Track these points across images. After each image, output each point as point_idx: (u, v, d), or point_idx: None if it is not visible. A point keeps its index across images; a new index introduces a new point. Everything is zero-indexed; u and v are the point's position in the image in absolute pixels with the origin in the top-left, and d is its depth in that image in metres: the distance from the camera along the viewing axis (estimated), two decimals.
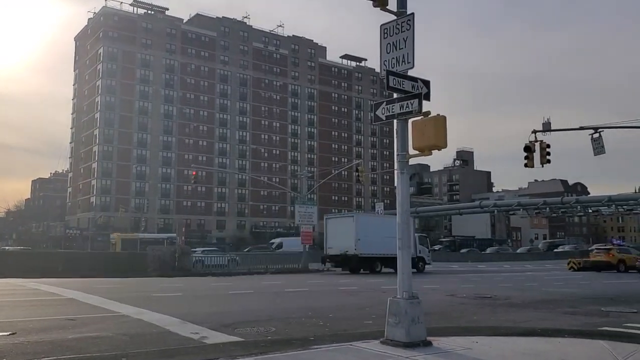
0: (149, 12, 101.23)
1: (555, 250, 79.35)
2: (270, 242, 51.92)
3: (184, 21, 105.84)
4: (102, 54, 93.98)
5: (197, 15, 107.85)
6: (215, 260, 31.02)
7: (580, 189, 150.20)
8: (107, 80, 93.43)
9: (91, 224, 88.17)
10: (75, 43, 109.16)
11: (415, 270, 29.14)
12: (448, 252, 76.75)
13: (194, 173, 54.58)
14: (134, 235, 63.25)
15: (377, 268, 30.14)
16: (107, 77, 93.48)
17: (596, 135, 24.24)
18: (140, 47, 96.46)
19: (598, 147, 24.15)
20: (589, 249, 53.94)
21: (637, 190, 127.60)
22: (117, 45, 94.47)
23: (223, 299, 15.42)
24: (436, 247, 77.78)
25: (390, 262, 28.64)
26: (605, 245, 49.07)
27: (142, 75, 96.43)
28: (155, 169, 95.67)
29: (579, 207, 78.66)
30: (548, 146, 23.46)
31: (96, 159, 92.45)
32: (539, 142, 23.52)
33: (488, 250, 79.02)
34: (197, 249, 42.04)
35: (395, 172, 7.99)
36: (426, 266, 33.65)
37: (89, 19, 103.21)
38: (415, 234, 33.00)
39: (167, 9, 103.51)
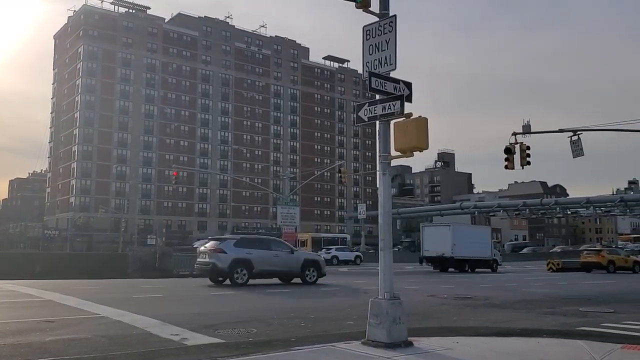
0: (130, 10, 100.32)
1: (520, 252, 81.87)
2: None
3: (166, 20, 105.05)
4: (82, 53, 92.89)
5: (179, 14, 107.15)
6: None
7: (559, 190, 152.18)
8: (87, 79, 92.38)
9: (70, 225, 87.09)
10: (55, 41, 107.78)
11: (489, 270, 34.82)
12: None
13: (175, 173, 54.19)
14: (318, 235, 66.62)
15: (465, 268, 34.80)
16: (87, 76, 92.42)
17: (575, 137, 24.61)
18: (121, 46, 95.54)
19: (577, 149, 24.51)
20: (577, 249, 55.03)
21: (614, 192, 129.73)
22: (97, 43, 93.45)
23: (204, 300, 15.33)
24: (395, 249, 78.16)
25: (477, 263, 35.43)
26: (595, 247, 50.35)
27: (122, 74, 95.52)
28: (136, 169, 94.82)
29: (558, 208, 79.74)
30: (528, 148, 23.76)
31: (76, 158, 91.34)
32: (519, 144, 23.81)
33: None
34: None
35: (378, 173, 8.02)
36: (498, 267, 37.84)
37: (68, 17, 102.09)
38: (491, 239, 38.49)
39: (149, 8, 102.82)
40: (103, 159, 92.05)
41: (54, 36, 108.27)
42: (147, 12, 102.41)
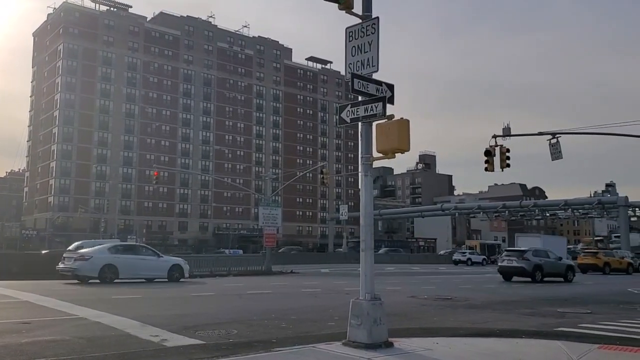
0: (112, 9, 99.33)
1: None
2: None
3: (148, 19, 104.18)
4: (62, 51, 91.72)
5: (161, 13, 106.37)
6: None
7: (538, 193, 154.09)
8: (67, 77, 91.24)
9: (49, 225, 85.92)
10: (34, 39, 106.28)
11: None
12: (403, 253, 77.32)
13: (155, 173, 53.42)
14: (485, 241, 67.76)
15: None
16: (67, 74, 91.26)
17: (554, 140, 24.95)
18: (101, 44, 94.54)
19: (556, 152, 24.85)
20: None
21: (592, 195, 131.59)
22: (77, 42, 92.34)
23: (184, 301, 15.23)
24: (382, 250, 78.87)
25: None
26: (592, 249, 51.57)
27: (103, 73, 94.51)
28: (116, 168, 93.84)
29: (536, 210, 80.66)
30: (508, 151, 24.02)
31: (55, 157, 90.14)
32: (499, 147, 24.07)
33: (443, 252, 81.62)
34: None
35: (360, 174, 8.05)
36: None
37: (48, 14, 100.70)
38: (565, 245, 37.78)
39: (131, 7, 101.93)
40: (83, 159, 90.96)
41: (33, 33, 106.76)
42: (129, 11, 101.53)
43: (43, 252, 32.14)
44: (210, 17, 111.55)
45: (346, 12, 7.88)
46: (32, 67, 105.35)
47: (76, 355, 7.01)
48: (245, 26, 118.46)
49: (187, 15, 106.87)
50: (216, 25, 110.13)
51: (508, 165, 24.01)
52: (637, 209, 73.03)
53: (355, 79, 7.62)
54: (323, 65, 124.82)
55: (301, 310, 12.75)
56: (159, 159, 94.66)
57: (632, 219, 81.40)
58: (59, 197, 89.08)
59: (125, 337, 8.48)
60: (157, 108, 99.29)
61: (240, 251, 68.69)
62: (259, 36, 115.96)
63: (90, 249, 22.43)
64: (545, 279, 27.12)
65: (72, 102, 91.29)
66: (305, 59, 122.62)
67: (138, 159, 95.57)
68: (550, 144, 25.02)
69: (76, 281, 20.44)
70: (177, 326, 9.53)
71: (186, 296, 16.40)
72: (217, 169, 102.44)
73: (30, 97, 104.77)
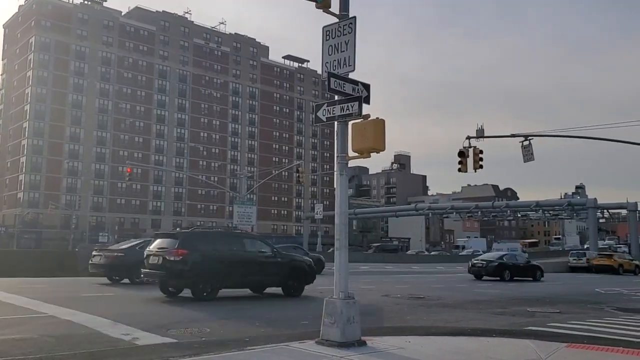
0: (86, 2, 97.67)
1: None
2: None
3: (123, 14, 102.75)
4: (33, 44, 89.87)
5: (137, 8, 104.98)
6: None
7: (510, 194, 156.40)
8: (38, 71, 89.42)
9: (18, 221, 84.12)
10: (4, 30, 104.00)
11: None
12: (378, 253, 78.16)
13: (128, 170, 53.00)
14: None
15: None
16: (39, 67, 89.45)
17: (526, 142, 25.33)
18: (75, 38, 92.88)
19: (528, 154, 25.23)
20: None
21: (562, 197, 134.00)
22: (50, 35, 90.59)
23: (157, 300, 15.04)
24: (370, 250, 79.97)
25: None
26: (606, 251, 53.79)
27: (76, 67, 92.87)
28: (88, 164, 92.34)
29: (508, 211, 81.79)
30: (481, 152, 24.32)
31: (25, 153, 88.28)
32: (472, 148, 24.34)
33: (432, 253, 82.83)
34: None
35: (335, 173, 8.06)
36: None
37: (19, 5, 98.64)
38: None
39: (106, 0, 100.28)
40: (54, 154, 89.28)
41: (3, 25, 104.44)
42: (103, 5, 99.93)
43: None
44: (187, 13, 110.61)
45: (324, 11, 7.88)
46: (2, 60, 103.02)
47: (45, 354, 6.88)
48: (222, 23, 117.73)
49: (163, 11, 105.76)
50: (192, 22, 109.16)
51: (481, 167, 24.31)
52: (605, 210, 74.52)
53: (331, 78, 7.63)
54: (300, 64, 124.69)
55: (275, 309, 12.73)
56: (133, 156, 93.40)
57: (601, 220, 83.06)
58: (29, 193, 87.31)
59: (96, 336, 8.35)
60: (131, 104, 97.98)
61: None
62: (235, 33, 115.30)
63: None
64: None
65: (43, 97, 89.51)
66: (282, 57, 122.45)
67: (111, 155, 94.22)
68: (522, 145, 25.40)
69: (47, 278, 20.09)
70: (149, 324, 9.42)
71: (158, 294, 16.21)
72: (191, 167, 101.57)
73: (0, 90, 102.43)
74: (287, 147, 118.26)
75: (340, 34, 7.88)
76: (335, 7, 7.95)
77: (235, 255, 14.73)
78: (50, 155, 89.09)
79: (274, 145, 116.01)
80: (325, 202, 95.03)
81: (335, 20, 7.98)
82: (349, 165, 8.05)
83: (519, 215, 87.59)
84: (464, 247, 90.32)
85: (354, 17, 7.84)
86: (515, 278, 28.72)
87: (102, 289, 17.22)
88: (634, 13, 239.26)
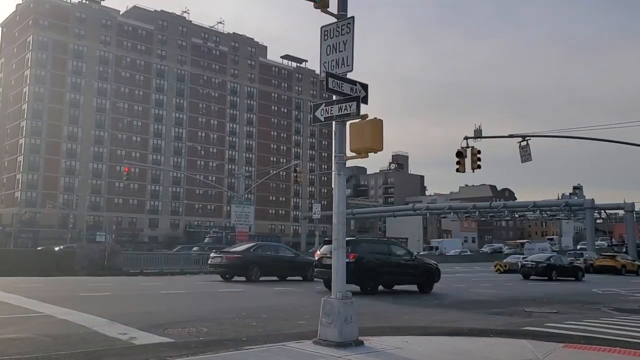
0: (84, 1, 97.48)
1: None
2: None
3: (121, 13, 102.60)
4: (31, 43, 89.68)
5: (135, 7, 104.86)
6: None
7: (508, 194, 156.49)
8: (36, 70, 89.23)
9: (15, 220, 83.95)
10: (2, 29, 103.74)
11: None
12: None
13: (126, 169, 52.86)
14: None
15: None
16: (37, 66, 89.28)
17: (524, 143, 25.37)
18: (73, 37, 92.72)
19: (525, 154, 25.27)
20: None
21: (559, 197, 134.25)
22: (48, 34, 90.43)
23: (154, 299, 15.06)
24: None
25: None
26: (609, 252, 54.34)
27: (74, 66, 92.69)
28: (86, 164, 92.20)
29: (506, 211, 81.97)
30: (479, 152, 24.34)
31: (22, 152, 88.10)
32: (470, 148, 24.37)
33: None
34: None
35: (333, 173, 8.07)
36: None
37: (17, 4, 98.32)
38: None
39: (103, 0, 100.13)
40: (52, 153, 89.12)
41: (0, 24, 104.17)
42: (101, 4, 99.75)
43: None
44: (185, 12, 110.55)
45: (322, 11, 7.88)
46: (0, 59, 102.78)
47: (41, 353, 6.87)
48: (220, 22, 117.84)
49: (161, 10, 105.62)
50: (190, 21, 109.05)
51: (479, 167, 24.34)
52: (602, 211, 74.74)
53: (329, 78, 7.64)
54: (298, 64, 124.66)
55: (272, 309, 12.73)
56: (130, 155, 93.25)
57: (598, 220, 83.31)
58: (26, 192, 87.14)
59: (93, 335, 8.35)
60: (129, 103, 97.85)
61: None
62: (233, 33, 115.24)
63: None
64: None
65: (41, 96, 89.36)
66: (281, 57, 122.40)
67: (109, 155, 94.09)
68: (520, 146, 25.44)
69: (44, 277, 20.06)
70: (146, 324, 9.42)
71: (156, 294, 16.22)
72: (189, 166, 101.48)
73: None
74: (285, 147, 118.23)
75: (339, 34, 7.89)
76: (333, 7, 7.96)
77: (387, 258, 18.54)
78: (48, 155, 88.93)
79: (272, 145, 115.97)
80: (323, 202, 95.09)
81: (334, 20, 7.99)
82: (347, 165, 8.06)
83: (517, 215, 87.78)
84: (437, 248, 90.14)
85: (352, 17, 7.84)
86: (559, 278, 30.60)
87: (99, 288, 17.18)
88: (633, 13, 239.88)
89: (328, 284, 16.42)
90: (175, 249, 41.15)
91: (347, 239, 19.16)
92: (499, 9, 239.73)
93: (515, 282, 27.52)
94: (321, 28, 8.12)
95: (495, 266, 41.82)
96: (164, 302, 14.10)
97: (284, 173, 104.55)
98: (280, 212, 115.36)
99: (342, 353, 6.86)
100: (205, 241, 57.89)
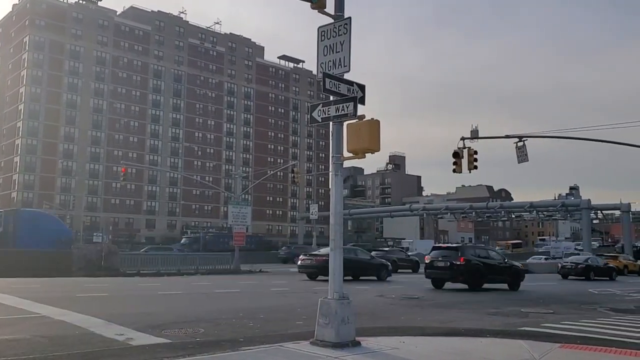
0: (81, 1, 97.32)
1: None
2: None
3: (118, 13, 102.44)
4: (28, 43, 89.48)
5: (132, 7, 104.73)
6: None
7: (504, 194, 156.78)
8: (32, 70, 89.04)
9: None
10: None
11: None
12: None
13: (123, 170, 52.51)
14: None
15: None
16: (33, 67, 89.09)
17: (520, 143, 25.39)
18: (69, 37, 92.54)
19: (522, 155, 25.30)
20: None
21: (556, 197, 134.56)
22: (44, 34, 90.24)
23: (151, 299, 15.04)
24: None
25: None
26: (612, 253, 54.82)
27: (71, 66, 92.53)
28: (83, 164, 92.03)
29: (503, 212, 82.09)
30: (475, 153, 24.36)
31: (19, 152, 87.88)
32: (466, 149, 24.38)
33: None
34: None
35: (330, 174, 8.07)
36: None
37: (13, 4, 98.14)
38: None
39: (100, 0, 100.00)
40: (48, 154, 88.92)
41: None
42: (98, 4, 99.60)
43: None
44: (182, 12, 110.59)
45: (319, 12, 7.89)
46: None
47: (38, 354, 6.85)
48: (217, 23, 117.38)
49: (158, 11, 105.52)
50: (187, 21, 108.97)
51: (475, 167, 24.35)
52: (599, 211, 74.92)
53: (326, 79, 7.64)
54: (295, 64, 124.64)
55: (269, 310, 12.72)
56: (127, 156, 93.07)
57: (595, 221, 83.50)
58: (23, 192, 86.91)
59: (90, 336, 8.33)
60: (125, 104, 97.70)
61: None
62: (230, 33, 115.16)
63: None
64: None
65: (37, 96, 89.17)
66: (278, 58, 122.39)
67: (105, 155, 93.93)
68: (516, 146, 25.46)
69: (41, 278, 20.02)
70: (142, 325, 9.41)
71: (153, 295, 16.20)
72: (186, 167, 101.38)
73: None
74: (282, 148, 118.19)
75: (336, 35, 7.89)
76: (330, 7, 7.97)
77: (487, 261, 22.14)
78: (45, 155, 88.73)
79: (269, 146, 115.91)
80: (320, 203, 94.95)
81: (331, 20, 8.00)
82: (344, 166, 8.07)
83: (513, 216, 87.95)
84: (408, 249, 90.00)
85: (349, 18, 7.85)
86: (596, 278, 33.06)
87: (96, 289, 17.14)
88: (632, 14, 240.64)
89: (436, 283, 21.89)
90: (143, 250, 39.80)
91: (455, 245, 25.31)
92: (497, 9, 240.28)
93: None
94: (318, 29, 8.12)
95: None
96: (161, 303, 14.08)
97: (281, 173, 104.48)
98: (277, 212, 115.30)
99: (339, 354, 6.86)
100: (182, 242, 57.83)
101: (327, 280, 22.13)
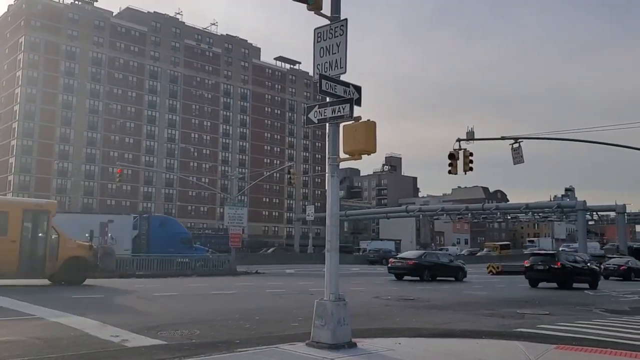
0: (77, 2, 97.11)
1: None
2: None
3: (114, 14, 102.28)
4: (23, 44, 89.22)
5: (128, 8, 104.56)
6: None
7: (500, 196, 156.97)
8: (28, 71, 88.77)
9: None
10: None
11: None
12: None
13: (119, 171, 52.75)
14: None
15: None
16: (29, 67, 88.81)
17: (516, 145, 25.48)
18: (65, 38, 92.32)
19: (517, 156, 25.38)
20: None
21: (552, 199, 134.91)
22: (40, 35, 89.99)
23: (146, 301, 15.00)
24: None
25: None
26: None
27: (66, 67, 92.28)
28: (79, 165, 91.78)
29: (498, 213, 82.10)
30: (471, 154, 24.42)
31: (14, 153, 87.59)
32: (462, 150, 24.44)
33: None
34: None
35: (327, 175, 8.08)
36: None
37: (9, 5, 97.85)
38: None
39: (97, 0, 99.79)
40: (44, 155, 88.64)
41: None
42: (94, 5, 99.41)
43: None
44: (178, 13, 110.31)
45: (315, 13, 7.89)
46: None
47: (33, 356, 6.83)
48: (213, 24, 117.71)
49: (154, 11, 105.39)
50: (184, 22, 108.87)
51: (471, 169, 24.41)
52: (594, 213, 75.04)
53: (323, 80, 7.65)
54: (292, 65, 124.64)
55: (265, 311, 12.72)
56: (123, 157, 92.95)
57: (590, 222, 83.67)
58: (18, 193, 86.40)
59: (85, 338, 8.31)
60: (121, 104, 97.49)
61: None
62: (227, 34, 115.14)
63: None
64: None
65: (33, 97, 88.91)
66: (274, 59, 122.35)
67: (101, 156, 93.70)
68: (512, 148, 25.55)
69: (36, 279, 19.92)
70: (138, 326, 9.39)
71: (148, 296, 16.17)
72: (182, 168, 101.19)
73: None
74: (278, 149, 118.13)
75: (332, 36, 7.90)
76: (326, 9, 7.97)
77: (575, 265, 26.11)
78: (40, 156, 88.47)
79: (265, 147, 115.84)
80: (316, 204, 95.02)
81: (327, 22, 8.00)
82: (340, 167, 8.07)
83: (509, 217, 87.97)
84: (365, 250, 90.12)
85: (345, 19, 7.86)
86: (635, 279, 35.49)
87: (91, 290, 17.08)
88: (627, 15, 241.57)
89: (532, 283, 25.81)
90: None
91: (552, 252, 31.51)
92: (494, 10, 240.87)
93: (507, 285, 27.59)
94: (314, 30, 8.13)
95: (487, 268, 42.02)
96: (156, 304, 14.05)
97: (278, 175, 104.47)
98: (273, 213, 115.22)
99: (335, 355, 6.86)
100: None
101: (412, 281, 25.41)
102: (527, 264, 26.40)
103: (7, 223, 17.59)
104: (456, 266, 30.41)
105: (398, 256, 31.74)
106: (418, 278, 27.70)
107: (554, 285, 25.89)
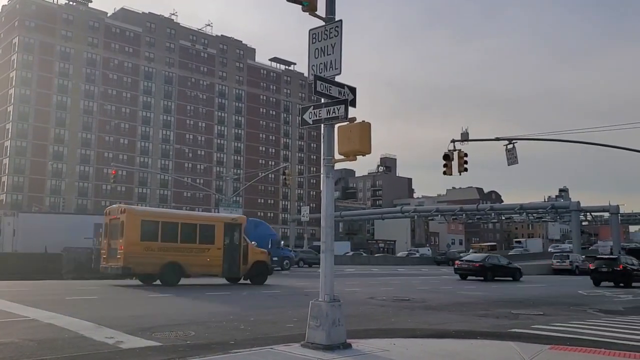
0: (71, 3, 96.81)
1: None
2: None
3: (108, 15, 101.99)
4: (17, 44, 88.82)
5: (122, 9, 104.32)
6: None
7: (494, 196, 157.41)
8: (22, 71, 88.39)
9: None
10: None
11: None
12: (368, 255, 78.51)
13: (113, 172, 52.52)
14: None
15: None
16: (23, 68, 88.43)
17: (510, 146, 25.58)
18: (60, 39, 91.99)
19: (512, 157, 25.47)
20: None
21: (546, 199, 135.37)
22: (34, 35, 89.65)
23: (141, 302, 14.97)
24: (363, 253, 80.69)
25: None
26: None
27: (61, 68, 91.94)
28: (73, 166, 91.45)
29: (493, 214, 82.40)
30: (465, 155, 24.49)
31: (8, 154, 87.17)
32: (457, 151, 24.51)
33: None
34: None
35: (322, 176, 8.08)
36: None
37: (2, 5, 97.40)
38: None
39: (91, 1, 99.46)
40: (38, 156, 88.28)
41: None
42: (89, 5, 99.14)
43: None
44: (173, 14, 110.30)
45: (310, 14, 7.89)
46: None
47: (26, 358, 6.81)
48: (208, 25, 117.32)
49: (149, 12, 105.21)
50: (178, 23, 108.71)
51: (466, 170, 24.49)
52: (588, 213, 75.38)
53: (318, 81, 7.66)
54: (287, 66, 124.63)
55: (260, 312, 12.70)
56: (118, 158, 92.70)
57: (584, 223, 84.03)
58: (12, 194, 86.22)
59: (79, 339, 8.27)
60: (116, 105, 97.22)
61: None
62: (221, 35, 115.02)
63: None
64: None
65: (27, 98, 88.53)
66: (269, 60, 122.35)
67: (96, 157, 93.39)
68: (506, 149, 25.64)
69: (29, 281, 19.86)
70: (133, 327, 9.36)
71: (143, 297, 16.13)
72: (177, 169, 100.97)
73: None
74: (273, 150, 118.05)
75: (327, 37, 7.91)
76: (321, 10, 7.98)
77: (634, 267, 29.79)
78: (34, 157, 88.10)
79: (260, 148, 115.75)
80: (311, 205, 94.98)
81: (322, 23, 8.01)
82: (335, 168, 8.08)
83: (503, 217, 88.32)
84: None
85: (340, 21, 7.87)
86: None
87: (85, 292, 17.03)
88: (620, 17, 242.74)
89: (596, 282, 29.18)
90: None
91: (615, 256, 32.52)
92: (487, 11, 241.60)
93: (502, 285, 27.67)
94: (309, 31, 8.13)
95: None
96: (151, 306, 14.01)
97: (273, 175, 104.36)
98: (268, 214, 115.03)
99: (330, 356, 6.87)
100: None
101: (476, 281, 27.24)
102: (591, 266, 30.75)
103: (214, 235, 21.38)
104: (514, 267, 33.59)
105: (464, 259, 34.88)
106: (482, 278, 30.50)
107: (549, 285, 25.97)
